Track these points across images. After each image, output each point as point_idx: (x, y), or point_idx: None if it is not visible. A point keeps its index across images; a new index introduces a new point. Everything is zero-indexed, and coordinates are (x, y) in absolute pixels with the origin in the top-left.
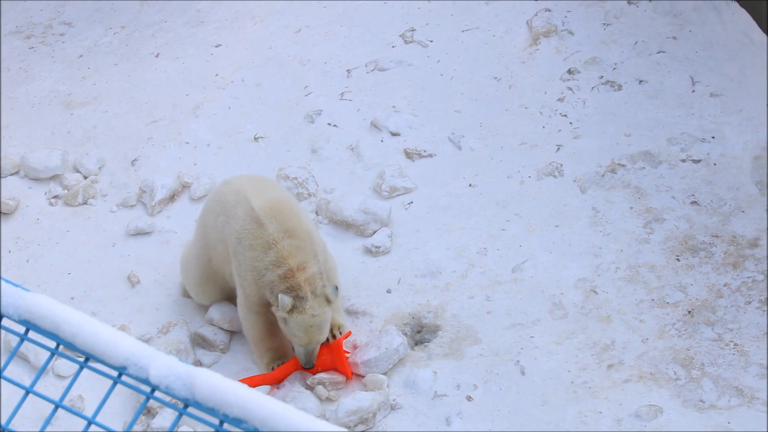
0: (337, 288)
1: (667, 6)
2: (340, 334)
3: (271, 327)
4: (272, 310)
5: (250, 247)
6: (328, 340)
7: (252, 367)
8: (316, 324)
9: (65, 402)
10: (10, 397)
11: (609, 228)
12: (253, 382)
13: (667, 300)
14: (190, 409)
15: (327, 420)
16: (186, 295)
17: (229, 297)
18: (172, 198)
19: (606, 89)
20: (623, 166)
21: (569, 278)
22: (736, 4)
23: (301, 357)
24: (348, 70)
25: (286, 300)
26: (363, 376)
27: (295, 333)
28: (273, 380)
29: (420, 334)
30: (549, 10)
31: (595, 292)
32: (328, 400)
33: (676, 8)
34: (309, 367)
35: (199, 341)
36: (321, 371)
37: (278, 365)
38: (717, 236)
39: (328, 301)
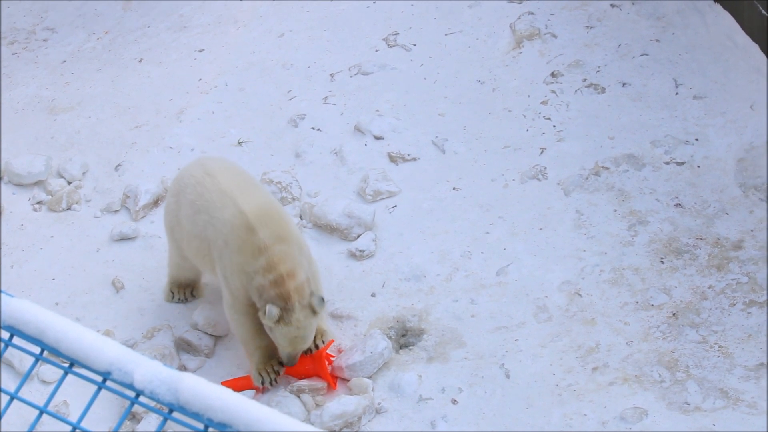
0: (323, 299)
1: (650, 8)
2: (323, 342)
3: (259, 326)
4: (259, 315)
5: (239, 252)
6: (310, 350)
7: (237, 371)
8: (300, 335)
9: (50, 407)
10: None
11: (593, 231)
12: (235, 385)
13: (651, 302)
14: (175, 414)
15: (312, 424)
16: (170, 299)
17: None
18: (156, 203)
19: (589, 92)
20: (607, 168)
21: (553, 281)
22: (720, 7)
23: (284, 357)
24: (331, 74)
25: (273, 311)
26: (348, 380)
27: (280, 342)
28: (253, 385)
29: (405, 337)
30: (532, 14)
31: (580, 295)
32: (316, 406)
33: (659, 11)
34: (290, 365)
35: (184, 346)
36: (303, 377)
37: (266, 379)
38: (701, 239)
39: (314, 311)
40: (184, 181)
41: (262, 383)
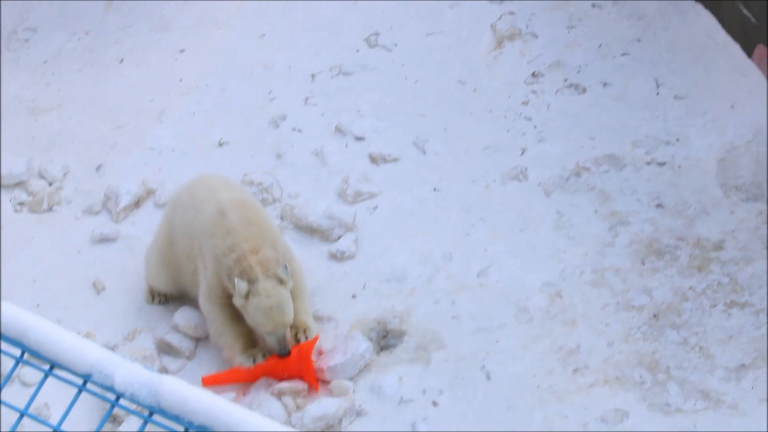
0: (287, 267)
1: (631, 8)
2: (306, 337)
3: (236, 316)
4: (233, 301)
5: (212, 235)
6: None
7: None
8: (275, 305)
9: (31, 410)
10: None
11: (574, 232)
12: (216, 380)
13: (632, 303)
14: (156, 417)
15: (293, 426)
16: (151, 301)
17: (180, 291)
18: (137, 204)
19: (570, 92)
20: (588, 169)
21: (534, 282)
22: (700, 6)
23: (274, 346)
24: (312, 75)
25: (242, 285)
26: (329, 382)
27: (257, 319)
28: (239, 379)
29: (385, 339)
30: (513, 13)
31: (560, 296)
32: (297, 408)
33: (640, 10)
34: (285, 353)
35: (165, 348)
36: (287, 379)
37: (255, 361)
38: (682, 239)
39: (282, 281)
40: (181, 189)
41: (254, 361)
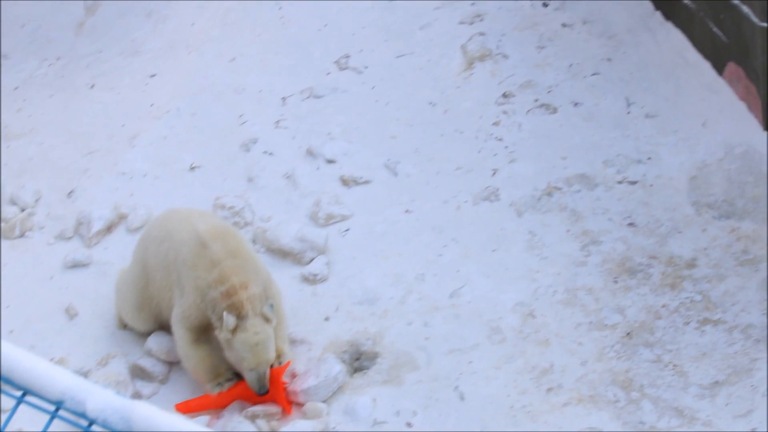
0: (272, 306)
1: (602, 27)
2: (279, 363)
3: (207, 341)
4: (216, 334)
5: (193, 267)
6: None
7: (192, 397)
8: (261, 342)
9: None
10: None
11: (546, 251)
12: (190, 407)
13: (605, 322)
14: None
15: None
16: (123, 327)
17: (163, 326)
18: (109, 229)
19: (541, 112)
20: (559, 189)
21: (507, 302)
22: (671, 24)
23: (254, 383)
24: (283, 98)
25: (230, 319)
26: (302, 405)
27: (242, 354)
28: (211, 405)
29: (359, 361)
30: (483, 34)
31: (533, 315)
32: (271, 431)
33: (610, 30)
34: (264, 392)
35: (138, 373)
36: (258, 403)
37: (223, 387)
38: (654, 257)
39: (267, 319)
40: (150, 226)
41: (222, 387)
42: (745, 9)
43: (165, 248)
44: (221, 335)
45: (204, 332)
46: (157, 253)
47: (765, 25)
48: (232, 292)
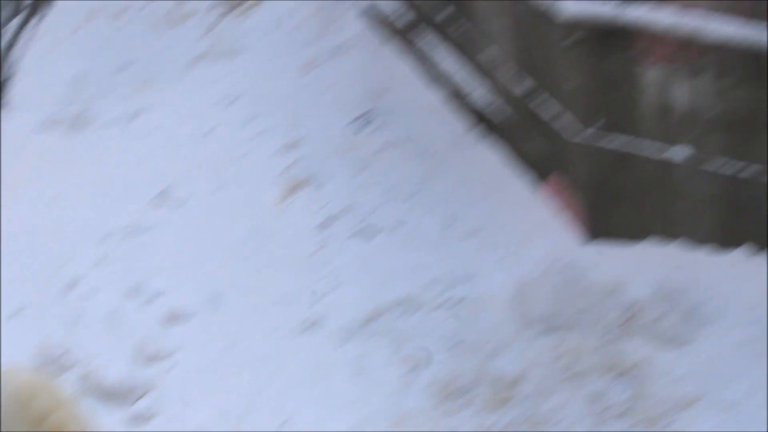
0: None
1: (422, 146)
2: None
3: None
4: None
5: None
6: None
7: None
8: None
9: None
10: None
11: (371, 377)
12: None
13: None
14: None
15: None
16: None
17: None
18: None
19: (363, 236)
20: (383, 314)
21: None
22: (490, 141)
23: None
24: (104, 236)
25: None
26: None
27: None
28: None
29: None
30: (302, 160)
31: None
32: None
33: (430, 148)
34: None
35: None
36: None
37: None
38: (481, 376)
39: None
40: None
41: None
42: (557, 126)
43: None
44: None
45: None
46: None
47: (577, 140)
48: None
